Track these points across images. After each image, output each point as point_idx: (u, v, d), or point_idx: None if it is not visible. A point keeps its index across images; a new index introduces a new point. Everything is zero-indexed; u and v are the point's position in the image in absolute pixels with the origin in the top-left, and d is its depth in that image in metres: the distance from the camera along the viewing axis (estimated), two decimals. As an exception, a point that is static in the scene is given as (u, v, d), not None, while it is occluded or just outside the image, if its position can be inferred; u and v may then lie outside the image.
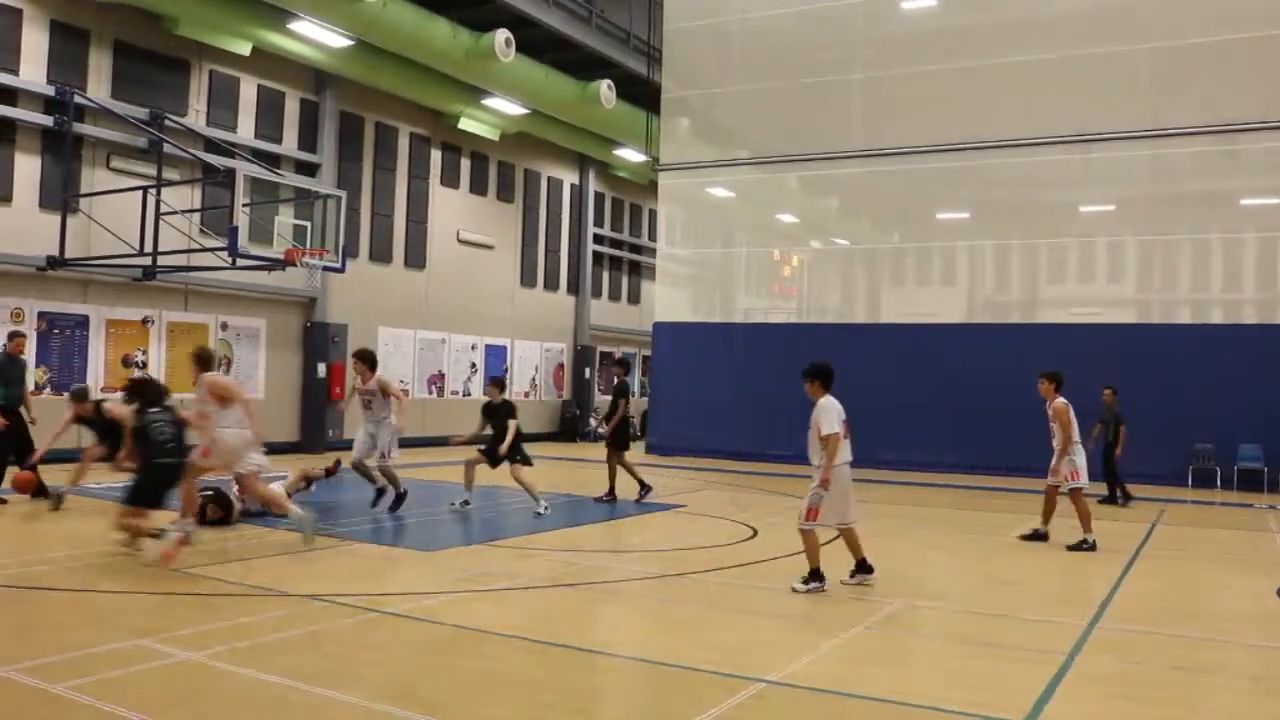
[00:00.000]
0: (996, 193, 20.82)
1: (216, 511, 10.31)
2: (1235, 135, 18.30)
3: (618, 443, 13.93)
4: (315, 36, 18.59)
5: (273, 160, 19.48)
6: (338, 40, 18.86)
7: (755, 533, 11.12)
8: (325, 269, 16.54)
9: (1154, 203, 19.64)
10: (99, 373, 16.86)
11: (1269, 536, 12.41)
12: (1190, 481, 17.62)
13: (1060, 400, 10.82)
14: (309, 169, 20.36)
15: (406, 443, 16.11)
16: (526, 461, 12.08)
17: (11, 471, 11.75)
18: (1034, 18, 19.69)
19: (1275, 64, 17.72)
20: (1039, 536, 10.98)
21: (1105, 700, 5.51)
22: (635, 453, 16.09)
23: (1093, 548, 10.41)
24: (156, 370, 17.69)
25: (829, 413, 7.95)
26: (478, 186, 25.04)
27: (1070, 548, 10.47)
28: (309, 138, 20.51)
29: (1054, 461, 10.80)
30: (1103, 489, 15.05)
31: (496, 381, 12.72)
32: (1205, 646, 6.76)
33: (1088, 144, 19.44)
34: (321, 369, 20.40)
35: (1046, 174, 20.18)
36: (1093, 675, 5.95)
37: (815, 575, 7.97)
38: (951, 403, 19.36)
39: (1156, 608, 8.07)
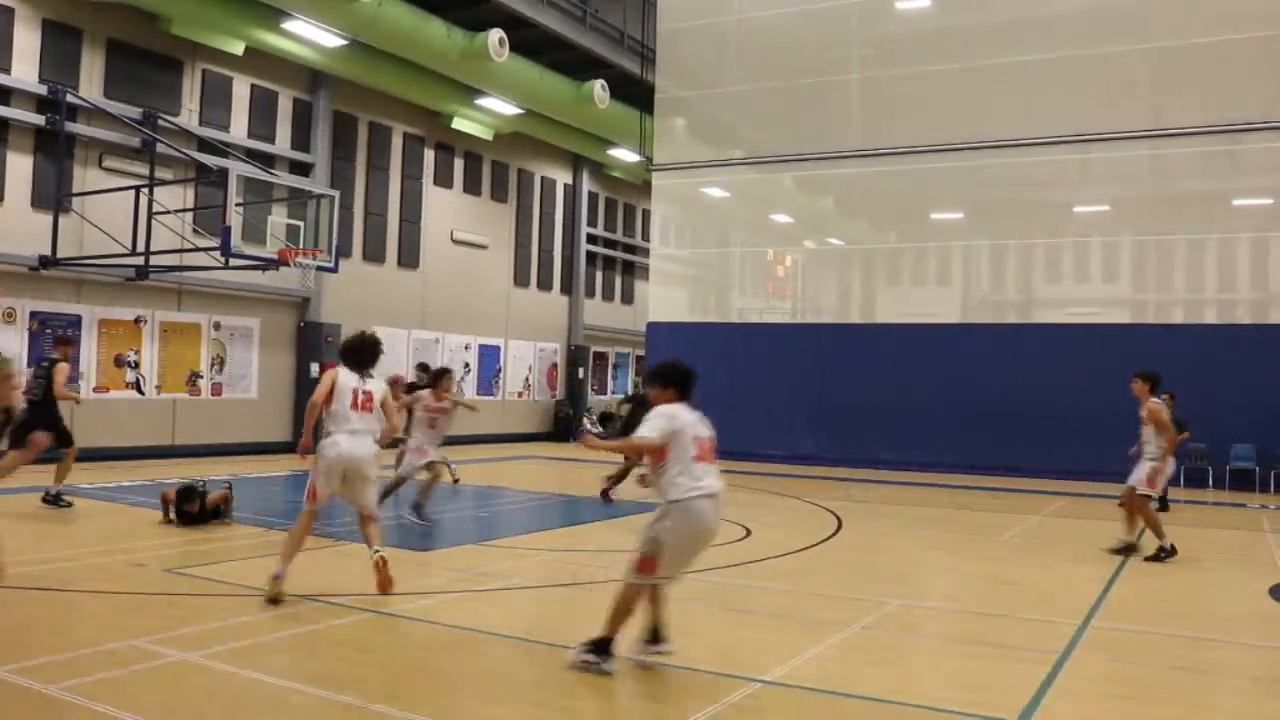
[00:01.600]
0: (994, 193, 20.78)
1: (193, 507, 10.07)
2: (1235, 135, 18.26)
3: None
4: (309, 36, 18.53)
5: (266, 160, 19.42)
6: (332, 40, 18.79)
7: (749, 532, 11.10)
8: (319, 269, 16.49)
9: (1153, 203, 19.62)
10: (91, 373, 16.79)
11: (1263, 536, 12.42)
12: (1182, 481, 17.61)
13: (1155, 401, 10.13)
14: (302, 168, 20.30)
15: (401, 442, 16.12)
16: None
17: None
18: (1033, 18, 19.62)
19: (1275, 64, 17.68)
20: (1131, 549, 10.18)
21: (1104, 700, 5.51)
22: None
23: (1172, 553, 9.83)
24: (149, 370, 17.64)
25: (656, 416, 5.73)
26: (471, 186, 24.99)
27: (1149, 558, 9.89)
28: (302, 137, 20.45)
29: (1156, 462, 10.01)
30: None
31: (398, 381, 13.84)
32: (1203, 646, 6.75)
33: (1087, 144, 19.39)
34: (315, 369, 20.33)
35: (1045, 174, 20.12)
36: (1092, 675, 5.94)
37: (604, 646, 5.59)
38: (950, 403, 19.33)
39: (1153, 608, 8.07)
